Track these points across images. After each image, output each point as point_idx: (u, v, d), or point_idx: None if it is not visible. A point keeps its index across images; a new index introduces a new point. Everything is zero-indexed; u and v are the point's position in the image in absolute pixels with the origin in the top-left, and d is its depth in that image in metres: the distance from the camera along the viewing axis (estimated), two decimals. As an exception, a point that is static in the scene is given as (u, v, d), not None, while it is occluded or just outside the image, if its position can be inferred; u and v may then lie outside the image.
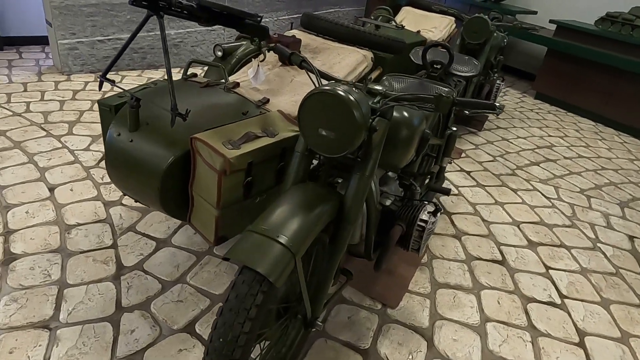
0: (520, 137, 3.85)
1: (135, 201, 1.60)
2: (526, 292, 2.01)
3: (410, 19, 4.09)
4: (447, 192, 2.19)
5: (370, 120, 1.12)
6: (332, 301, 1.77)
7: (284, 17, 4.75)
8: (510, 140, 3.74)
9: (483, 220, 2.52)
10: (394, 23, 3.63)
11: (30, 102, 3.12)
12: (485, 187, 2.89)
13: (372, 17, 4.00)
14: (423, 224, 1.56)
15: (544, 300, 1.97)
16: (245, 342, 0.95)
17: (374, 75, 2.39)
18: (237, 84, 1.78)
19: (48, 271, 1.74)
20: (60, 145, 2.62)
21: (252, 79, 1.96)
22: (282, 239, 0.99)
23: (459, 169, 3.08)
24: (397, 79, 1.94)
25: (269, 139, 1.44)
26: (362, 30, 2.32)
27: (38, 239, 1.90)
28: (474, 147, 3.50)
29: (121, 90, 1.44)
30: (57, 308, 1.59)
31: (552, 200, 2.86)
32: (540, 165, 3.37)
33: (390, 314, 1.77)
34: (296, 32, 2.40)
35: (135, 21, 3.77)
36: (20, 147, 2.55)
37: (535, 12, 5.38)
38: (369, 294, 1.84)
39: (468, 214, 2.55)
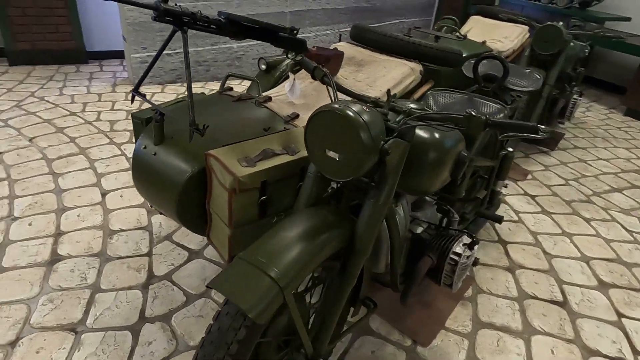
0: (601, 159, 3.41)
1: (160, 213, 1.61)
2: (589, 342, 1.72)
3: (478, 28, 3.83)
4: (498, 219, 1.97)
5: (383, 142, 1.00)
6: (353, 331, 1.65)
7: (346, 29, 4.71)
8: (588, 162, 3.33)
9: (544, 252, 2.23)
10: (457, 33, 3.42)
11: (102, 111, 3.37)
12: (552, 215, 2.57)
13: (435, 28, 3.81)
14: (456, 258, 1.38)
15: (611, 355, 1.67)
16: None
17: (424, 89, 2.24)
18: (269, 98, 1.74)
19: (85, 275, 1.82)
20: (119, 153, 2.79)
21: (288, 92, 1.91)
22: (272, 272, 0.91)
23: (522, 192, 2.78)
24: (443, 94, 1.78)
25: (288, 156, 1.37)
26: (411, 41, 2.19)
27: (83, 242, 2.00)
28: (543, 168, 3.15)
29: (156, 104, 1.47)
30: (87, 312, 1.65)
31: (634, 234, 2.46)
32: (624, 192, 2.94)
33: (420, 352, 1.60)
34: (343, 45, 2.33)
35: (200, 36, 3.95)
36: (84, 153, 2.74)
37: (628, 19, 4.80)
38: (399, 327, 1.69)
39: (527, 245, 2.27)
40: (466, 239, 1.44)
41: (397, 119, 1.11)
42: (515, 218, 2.49)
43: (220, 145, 1.36)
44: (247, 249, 0.97)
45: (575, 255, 2.23)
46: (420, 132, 1.21)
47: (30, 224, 2.09)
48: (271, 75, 2.29)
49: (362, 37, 2.31)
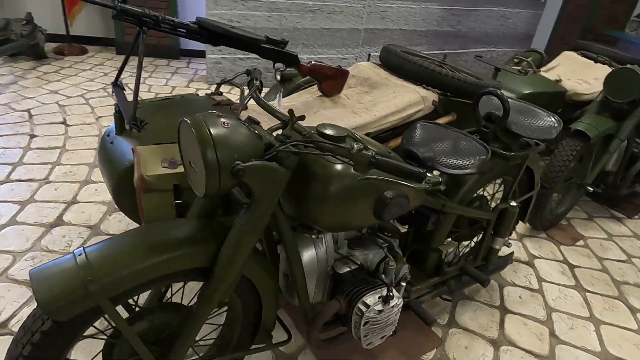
0: (695, 241, 2.73)
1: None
2: None
3: (566, 66, 3.38)
4: (482, 281, 1.70)
5: (238, 163, 0.92)
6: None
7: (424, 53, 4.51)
8: (673, 241, 2.69)
9: (552, 334, 1.85)
10: (529, 68, 3.05)
11: (167, 102, 3.70)
12: (587, 293, 2.13)
13: (514, 60, 3.45)
14: (363, 308, 1.22)
15: None
16: None
17: (441, 120, 2.03)
18: (245, 107, 1.74)
19: (71, 242, 2.00)
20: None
21: (276, 103, 1.90)
22: (88, 273, 0.90)
23: (560, 258, 2.35)
24: (431, 127, 1.60)
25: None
26: (431, 69, 2.01)
27: (86, 214, 2.21)
28: (604, 237, 2.63)
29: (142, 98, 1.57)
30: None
31: (693, 343, 1.92)
32: None
33: (334, 404, 1.44)
34: (365, 65, 2.23)
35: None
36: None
37: None
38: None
39: (533, 320, 1.91)
40: (384, 292, 1.26)
41: (282, 144, 1.02)
42: (535, 286, 2.12)
43: (160, 143, 1.40)
44: (93, 245, 0.98)
45: (593, 349, 1.81)
46: (317, 163, 1.10)
47: (56, 189, 2.37)
48: (285, 86, 2.29)
49: (387, 60, 2.19)
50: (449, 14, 4.38)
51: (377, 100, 1.96)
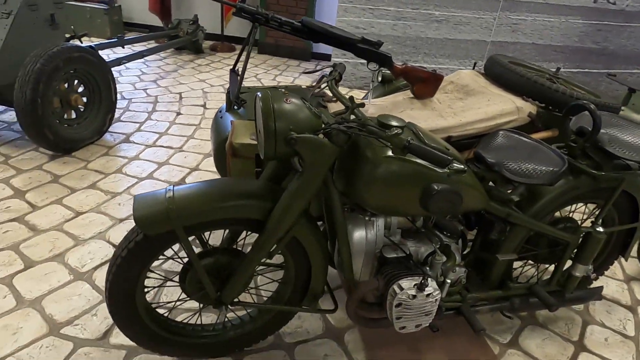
0: None
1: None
2: None
3: None
4: (549, 305, 1.60)
5: (294, 134, 1.09)
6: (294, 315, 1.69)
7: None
8: None
9: (634, 386, 1.64)
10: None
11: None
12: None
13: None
14: (397, 290, 1.28)
15: None
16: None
17: (539, 135, 1.94)
18: (333, 100, 1.92)
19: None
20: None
21: (368, 98, 2.04)
22: (172, 204, 1.16)
23: (675, 312, 2.02)
24: (509, 136, 1.57)
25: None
26: (534, 80, 1.93)
27: (202, 179, 2.63)
28: None
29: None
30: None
31: None
32: None
33: (367, 382, 1.52)
34: (466, 72, 2.23)
35: (395, 51, 4.24)
36: (253, 123, 3.47)
37: None
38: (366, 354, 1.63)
39: (613, 365, 1.71)
40: (424, 281, 1.30)
41: (341, 123, 1.16)
42: (630, 333, 1.87)
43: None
44: (183, 185, 1.25)
45: (687, 416, 1.55)
46: (369, 147, 1.21)
47: (185, 157, 2.87)
48: (385, 87, 2.41)
49: (490, 70, 2.16)
50: (594, 30, 3.96)
51: (468, 107, 1.96)
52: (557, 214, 1.80)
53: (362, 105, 1.25)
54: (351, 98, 1.23)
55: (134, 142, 3.00)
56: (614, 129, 1.57)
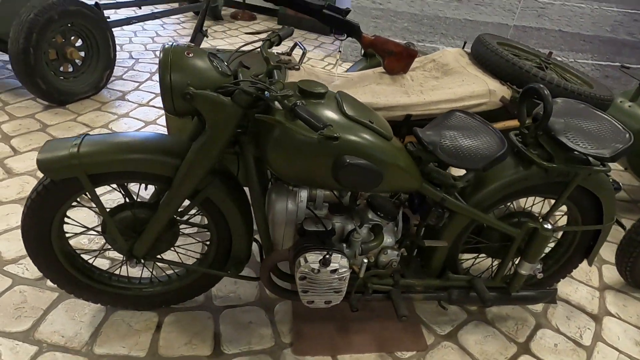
0: None
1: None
2: None
3: None
4: (483, 300, 1.51)
5: (191, 89, 1.06)
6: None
7: (584, 61, 3.84)
8: None
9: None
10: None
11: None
12: (659, 377, 1.67)
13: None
14: (301, 263, 1.24)
15: None
16: None
17: (506, 124, 1.80)
18: (297, 68, 1.85)
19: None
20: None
21: (335, 69, 1.97)
22: (78, 149, 1.17)
23: (646, 327, 1.87)
24: (462, 119, 1.47)
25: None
26: (512, 62, 1.79)
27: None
28: None
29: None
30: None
31: None
32: None
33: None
34: (451, 51, 2.09)
35: (410, 30, 4.06)
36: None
37: None
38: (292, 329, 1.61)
39: (554, 372, 1.60)
40: (330, 257, 1.25)
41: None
42: (585, 342, 1.74)
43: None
44: (95, 135, 1.25)
45: None
46: (279, 113, 1.15)
47: (173, 119, 2.89)
48: (367, 61, 2.32)
49: (475, 50, 2.01)
50: (629, 19, 3.61)
51: (439, 87, 1.84)
52: (519, 206, 1.69)
53: (279, 67, 1.19)
54: (266, 59, 1.18)
55: (129, 101, 3.05)
56: (578, 119, 1.43)
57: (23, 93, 2.93)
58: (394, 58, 1.88)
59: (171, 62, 1.07)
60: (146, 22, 3.70)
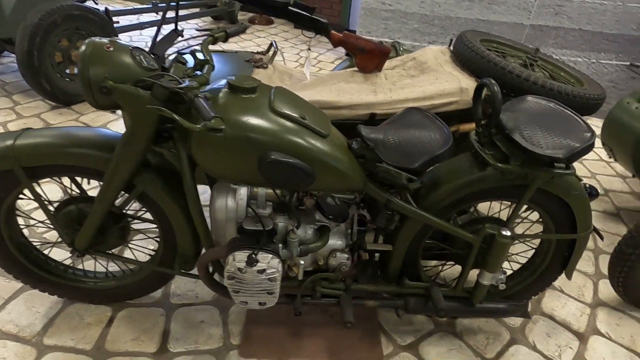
0: None
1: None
2: None
3: None
4: (436, 310, 1.42)
5: (109, 82, 1.06)
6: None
7: (608, 62, 3.58)
8: None
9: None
10: None
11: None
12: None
13: None
14: (230, 260, 1.21)
15: None
16: None
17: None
18: (265, 66, 1.84)
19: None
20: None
21: (305, 68, 1.94)
22: (16, 140, 1.20)
23: (640, 350, 1.69)
24: (415, 114, 1.40)
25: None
26: (488, 59, 1.69)
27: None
28: None
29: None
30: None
31: None
32: None
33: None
34: (432, 48, 2.00)
35: (421, 31, 3.95)
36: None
37: None
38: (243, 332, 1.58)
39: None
40: (261, 256, 1.21)
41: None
42: (568, 355, 1.60)
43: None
44: (35, 129, 1.28)
45: None
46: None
47: (170, 119, 2.95)
48: (352, 60, 2.26)
49: (455, 48, 1.92)
50: (657, 16, 3.34)
51: (411, 85, 1.76)
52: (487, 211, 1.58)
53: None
54: (192, 52, 1.16)
55: (132, 101, 3.14)
56: (541, 117, 1.32)
57: (33, 94, 3.08)
58: (365, 56, 1.82)
59: (90, 55, 1.07)
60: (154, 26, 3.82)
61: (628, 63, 3.39)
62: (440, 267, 1.83)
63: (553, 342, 1.68)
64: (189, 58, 1.65)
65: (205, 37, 1.38)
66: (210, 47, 1.97)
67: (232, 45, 4.51)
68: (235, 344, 1.52)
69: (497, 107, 1.19)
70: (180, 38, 1.82)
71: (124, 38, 4.39)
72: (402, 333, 1.64)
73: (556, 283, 1.94)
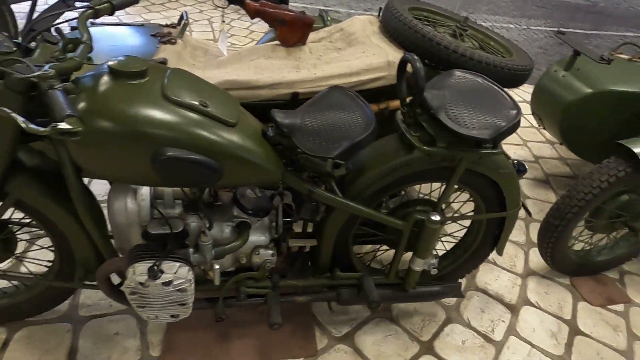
0: None
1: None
2: None
3: None
4: (368, 301, 1.35)
5: None
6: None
7: (537, 28, 3.63)
8: None
9: None
10: (622, 57, 2.21)
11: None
12: (571, 372, 1.54)
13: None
14: (131, 272, 1.06)
15: None
16: None
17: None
18: (175, 42, 1.63)
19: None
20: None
21: (219, 44, 1.74)
22: None
23: (567, 317, 1.74)
24: (336, 96, 1.27)
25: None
26: (415, 30, 1.58)
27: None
28: None
29: None
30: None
31: None
32: None
33: None
34: (360, 18, 1.86)
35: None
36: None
37: None
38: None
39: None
40: (167, 265, 1.06)
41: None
42: (496, 337, 1.61)
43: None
44: None
45: None
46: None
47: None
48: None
49: (384, 18, 1.79)
50: (582, -18, 3.39)
51: (337, 60, 1.63)
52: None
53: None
54: (60, 32, 0.96)
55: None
56: (467, 94, 1.24)
57: None
58: (286, 28, 1.65)
59: None
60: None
61: (556, 29, 3.44)
62: (374, 252, 1.77)
63: (487, 317, 1.68)
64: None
65: (85, 9, 1.15)
66: (109, 19, 1.72)
67: (154, 15, 4.11)
68: (156, 356, 1.38)
69: (420, 85, 1.09)
70: (70, 9, 1.56)
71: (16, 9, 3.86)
72: (337, 324, 1.57)
73: (490, 256, 1.96)
